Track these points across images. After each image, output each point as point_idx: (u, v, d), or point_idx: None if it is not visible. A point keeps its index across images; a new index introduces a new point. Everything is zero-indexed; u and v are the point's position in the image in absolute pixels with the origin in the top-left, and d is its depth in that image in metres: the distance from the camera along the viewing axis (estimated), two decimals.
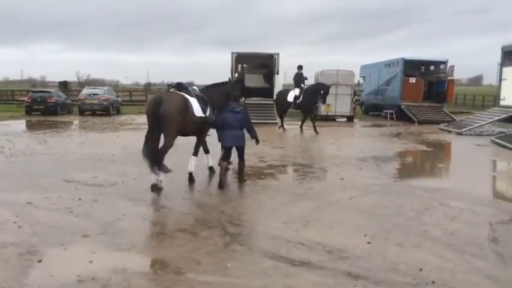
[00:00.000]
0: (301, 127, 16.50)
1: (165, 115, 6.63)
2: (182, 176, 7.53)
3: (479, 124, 16.70)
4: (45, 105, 22.92)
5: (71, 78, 59.17)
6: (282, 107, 17.42)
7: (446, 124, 18.73)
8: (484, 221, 5.61)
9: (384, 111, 24.57)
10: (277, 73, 21.77)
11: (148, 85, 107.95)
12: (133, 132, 15.56)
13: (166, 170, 6.79)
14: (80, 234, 4.92)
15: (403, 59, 22.92)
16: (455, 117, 21.22)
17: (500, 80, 17.53)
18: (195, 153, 7.80)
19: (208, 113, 7.44)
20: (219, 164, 7.27)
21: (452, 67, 22.89)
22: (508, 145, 12.66)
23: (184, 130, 7.16)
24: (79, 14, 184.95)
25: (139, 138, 14.03)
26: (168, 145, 6.79)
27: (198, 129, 7.49)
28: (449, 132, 16.97)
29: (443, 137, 15.65)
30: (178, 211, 5.96)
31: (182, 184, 7.38)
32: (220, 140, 7.34)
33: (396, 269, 4.06)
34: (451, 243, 4.76)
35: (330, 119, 21.66)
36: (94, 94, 23.79)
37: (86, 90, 25.01)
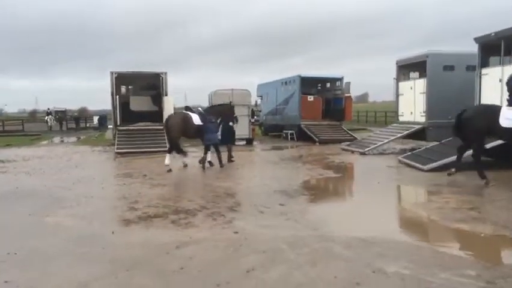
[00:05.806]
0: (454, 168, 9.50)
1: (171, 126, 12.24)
2: None
3: (382, 142, 15.78)
4: None
5: None
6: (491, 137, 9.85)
7: (347, 143, 17.68)
8: None
9: (285, 131, 23.29)
10: (166, 94, 19.38)
11: (33, 112, 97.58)
12: None
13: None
14: None
15: (299, 76, 21.86)
16: (355, 136, 20.47)
17: (397, 95, 16.99)
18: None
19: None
20: (205, 154, 12.09)
21: (348, 84, 22.39)
22: (417, 165, 11.60)
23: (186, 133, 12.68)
24: None
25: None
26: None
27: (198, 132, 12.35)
28: (353, 152, 15.81)
29: (348, 159, 14.35)
30: None
31: None
32: (206, 140, 12.08)
33: None
34: None
35: None
36: None
37: None
